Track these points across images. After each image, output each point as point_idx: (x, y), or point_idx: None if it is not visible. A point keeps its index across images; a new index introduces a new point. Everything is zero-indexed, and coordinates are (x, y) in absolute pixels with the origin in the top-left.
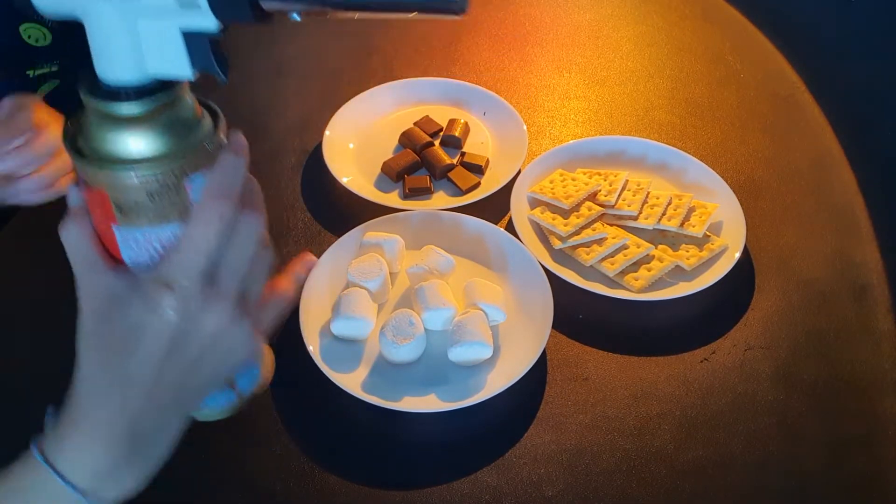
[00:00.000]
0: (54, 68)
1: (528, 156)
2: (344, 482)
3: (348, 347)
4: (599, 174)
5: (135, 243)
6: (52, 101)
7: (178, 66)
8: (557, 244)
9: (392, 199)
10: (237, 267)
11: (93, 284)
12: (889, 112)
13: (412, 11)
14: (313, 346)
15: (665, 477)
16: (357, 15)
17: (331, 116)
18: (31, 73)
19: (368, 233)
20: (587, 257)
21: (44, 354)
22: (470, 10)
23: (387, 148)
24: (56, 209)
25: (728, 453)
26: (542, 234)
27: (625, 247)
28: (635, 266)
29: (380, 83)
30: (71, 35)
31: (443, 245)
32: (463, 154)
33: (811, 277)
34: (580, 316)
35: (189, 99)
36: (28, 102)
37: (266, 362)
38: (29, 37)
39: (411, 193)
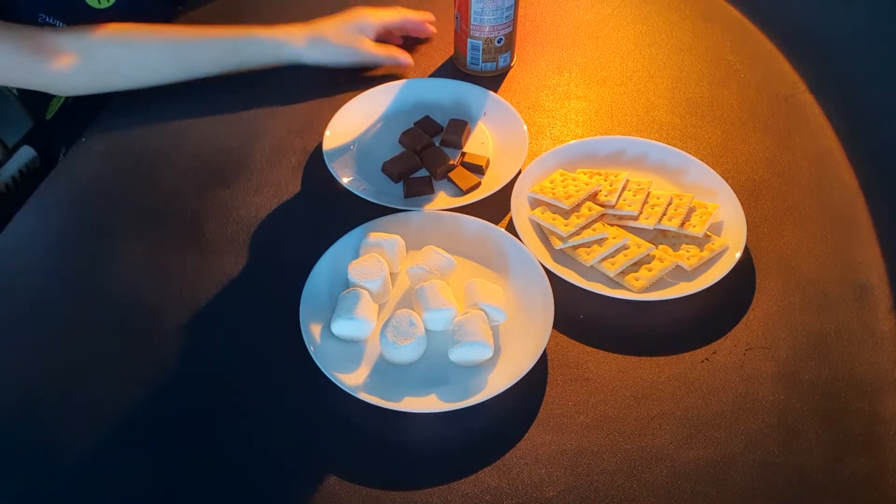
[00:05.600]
0: None
1: (529, 156)
2: (344, 483)
3: (349, 348)
4: (600, 174)
5: None
6: (62, 118)
7: None
8: (558, 244)
9: (392, 199)
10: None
11: None
12: (889, 112)
13: None
14: (314, 347)
15: (666, 477)
16: None
17: (331, 116)
18: None
19: (369, 233)
20: (588, 257)
21: (44, 354)
22: None
23: (387, 148)
24: (54, 211)
25: (729, 453)
26: (543, 235)
27: (625, 247)
28: (636, 266)
29: (380, 83)
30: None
31: (443, 245)
32: (463, 154)
33: (812, 277)
34: (581, 316)
35: None
36: None
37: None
38: None
39: (412, 194)
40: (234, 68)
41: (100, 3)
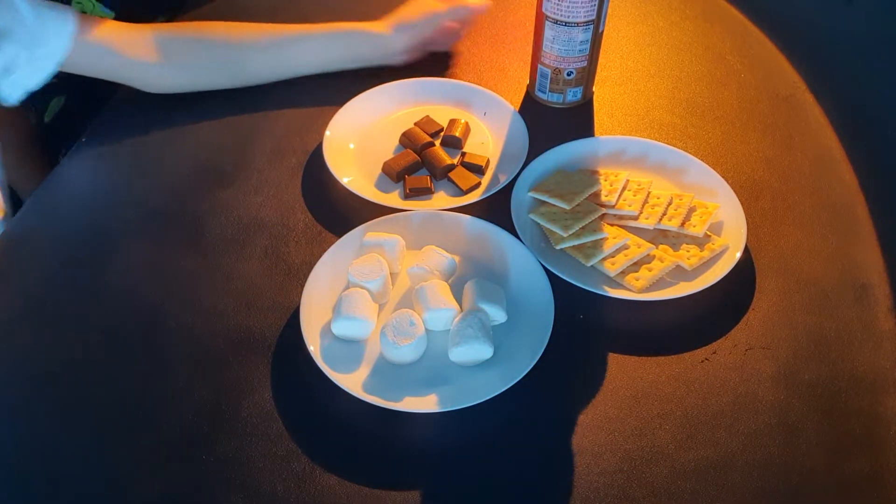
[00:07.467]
0: (55, 78)
1: (529, 156)
2: (345, 483)
3: (349, 348)
4: (600, 174)
5: None
6: (62, 120)
7: None
8: (558, 244)
9: (392, 199)
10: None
11: None
12: (889, 112)
13: None
14: (314, 347)
15: (666, 477)
16: None
17: (331, 116)
18: None
19: (369, 233)
20: (588, 258)
21: (44, 354)
22: None
23: (387, 148)
24: (54, 211)
25: (729, 453)
26: (543, 234)
27: (625, 247)
28: (636, 266)
29: (380, 83)
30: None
31: (443, 245)
32: (463, 154)
33: (812, 277)
34: (581, 316)
35: None
36: None
37: None
38: None
39: (412, 193)
40: (333, 68)
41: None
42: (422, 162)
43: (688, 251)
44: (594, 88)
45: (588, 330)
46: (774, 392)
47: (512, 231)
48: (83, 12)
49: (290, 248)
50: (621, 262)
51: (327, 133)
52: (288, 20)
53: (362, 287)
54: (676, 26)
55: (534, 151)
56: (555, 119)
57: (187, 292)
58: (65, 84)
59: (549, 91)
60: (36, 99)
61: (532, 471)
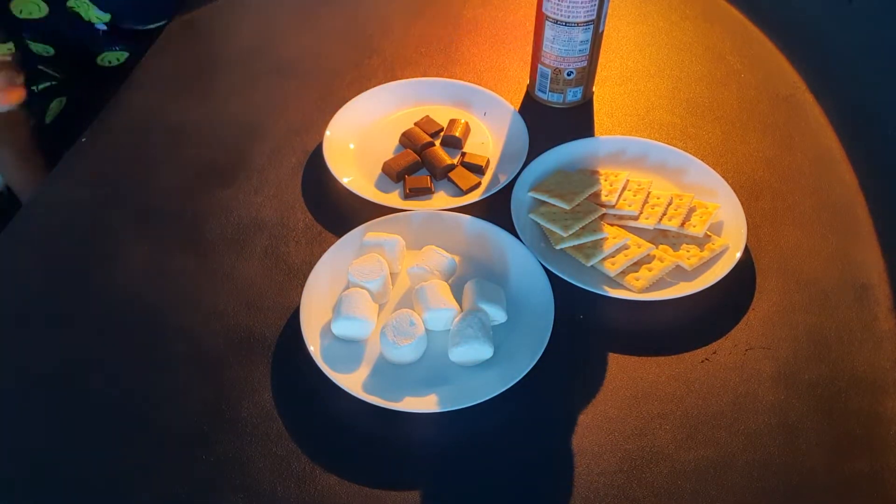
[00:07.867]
0: (55, 81)
1: (529, 156)
2: (345, 483)
3: (349, 348)
4: (600, 174)
5: None
6: (62, 121)
7: None
8: (558, 244)
9: (393, 199)
10: None
11: None
12: (889, 112)
13: None
14: (314, 347)
15: (666, 477)
16: None
17: (331, 116)
18: (34, 88)
19: (369, 233)
20: (588, 258)
21: (44, 354)
22: (470, 10)
23: (387, 148)
24: (54, 211)
25: (729, 453)
26: (543, 234)
27: (625, 247)
28: (636, 266)
29: (380, 83)
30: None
31: (443, 245)
32: (463, 154)
33: (812, 277)
34: (581, 316)
35: None
36: None
37: None
38: (20, 11)
39: (412, 193)
40: None
41: (99, 18)
42: (422, 162)
43: (688, 251)
44: (594, 88)
45: (588, 330)
46: (774, 392)
47: (512, 231)
48: (78, 15)
49: (290, 248)
50: (621, 262)
51: (327, 133)
52: (289, 19)
53: (362, 287)
54: (676, 26)
55: (534, 151)
56: (555, 119)
57: (187, 292)
58: (65, 86)
59: (549, 91)
60: (37, 101)
61: (532, 471)
